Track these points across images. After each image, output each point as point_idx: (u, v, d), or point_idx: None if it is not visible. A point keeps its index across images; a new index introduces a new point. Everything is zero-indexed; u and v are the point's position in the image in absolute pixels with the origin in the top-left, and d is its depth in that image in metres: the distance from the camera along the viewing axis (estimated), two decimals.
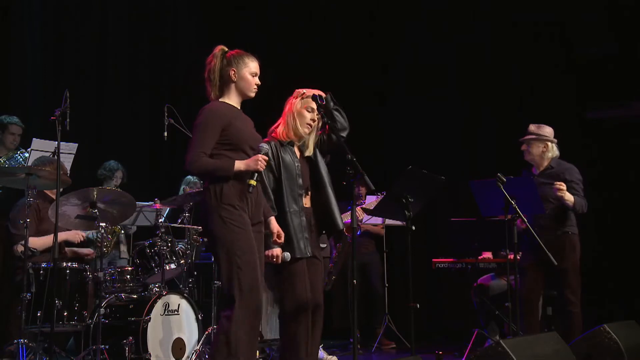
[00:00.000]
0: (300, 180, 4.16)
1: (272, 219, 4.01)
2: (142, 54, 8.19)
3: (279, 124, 4.24)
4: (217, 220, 3.71)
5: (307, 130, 4.17)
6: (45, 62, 7.38)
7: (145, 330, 4.97)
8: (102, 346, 4.86)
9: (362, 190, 6.77)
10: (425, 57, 8.28)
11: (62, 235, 5.35)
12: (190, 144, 3.77)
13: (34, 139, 5.88)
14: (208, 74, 3.88)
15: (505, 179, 4.92)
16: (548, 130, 5.50)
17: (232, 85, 3.87)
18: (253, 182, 3.71)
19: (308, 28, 8.49)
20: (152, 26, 8.27)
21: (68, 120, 4.55)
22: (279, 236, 3.99)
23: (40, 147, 5.82)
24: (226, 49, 3.92)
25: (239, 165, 3.73)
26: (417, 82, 8.31)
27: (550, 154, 5.47)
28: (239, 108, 3.93)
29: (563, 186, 5.20)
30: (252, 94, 3.92)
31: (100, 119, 7.77)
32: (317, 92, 4.17)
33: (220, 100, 3.88)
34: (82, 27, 7.67)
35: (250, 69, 3.88)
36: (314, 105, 4.13)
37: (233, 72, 3.85)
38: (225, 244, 3.69)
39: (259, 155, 3.74)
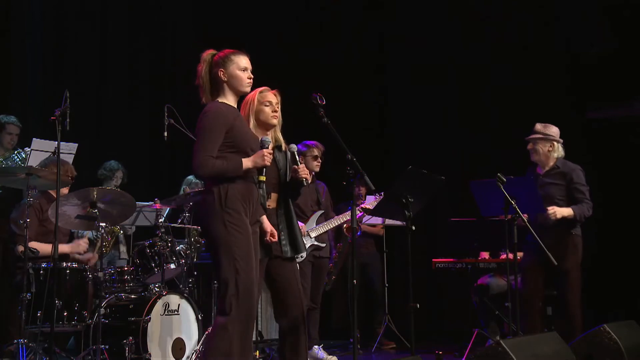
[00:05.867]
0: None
1: (264, 218, 3.97)
2: (142, 54, 8.18)
3: None
4: (219, 224, 3.68)
5: (275, 121, 4.11)
6: (45, 62, 7.38)
7: (145, 330, 4.97)
8: (102, 346, 4.87)
9: (362, 190, 6.77)
10: (425, 57, 8.28)
11: (65, 249, 5.31)
12: (196, 147, 3.72)
13: (34, 139, 5.87)
14: (198, 80, 3.89)
15: (505, 179, 4.91)
16: (554, 130, 5.51)
17: (225, 85, 3.85)
18: (262, 178, 3.73)
19: (308, 27, 8.49)
20: (151, 25, 8.26)
21: (68, 120, 4.55)
22: (272, 235, 3.97)
23: (40, 147, 5.81)
24: (214, 52, 3.89)
25: (247, 163, 3.72)
26: (418, 82, 8.31)
27: (556, 154, 5.48)
28: (236, 107, 3.91)
29: (553, 209, 5.22)
30: (247, 89, 3.90)
31: (100, 119, 7.76)
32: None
33: (219, 100, 3.84)
34: (82, 27, 7.67)
35: (237, 65, 3.84)
36: (271, 99, 4.10)
37: (222, 73, 3.83)
38: (225, 248, 3.67)
39: (264, 150, 3.74)
